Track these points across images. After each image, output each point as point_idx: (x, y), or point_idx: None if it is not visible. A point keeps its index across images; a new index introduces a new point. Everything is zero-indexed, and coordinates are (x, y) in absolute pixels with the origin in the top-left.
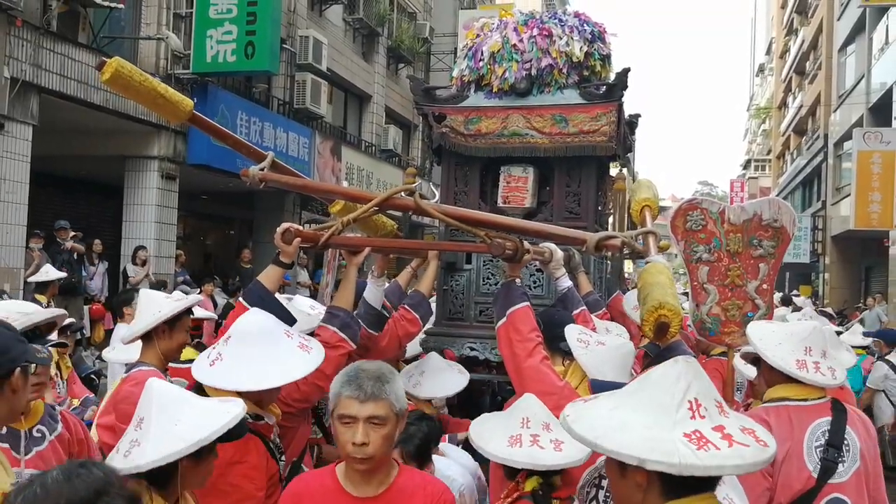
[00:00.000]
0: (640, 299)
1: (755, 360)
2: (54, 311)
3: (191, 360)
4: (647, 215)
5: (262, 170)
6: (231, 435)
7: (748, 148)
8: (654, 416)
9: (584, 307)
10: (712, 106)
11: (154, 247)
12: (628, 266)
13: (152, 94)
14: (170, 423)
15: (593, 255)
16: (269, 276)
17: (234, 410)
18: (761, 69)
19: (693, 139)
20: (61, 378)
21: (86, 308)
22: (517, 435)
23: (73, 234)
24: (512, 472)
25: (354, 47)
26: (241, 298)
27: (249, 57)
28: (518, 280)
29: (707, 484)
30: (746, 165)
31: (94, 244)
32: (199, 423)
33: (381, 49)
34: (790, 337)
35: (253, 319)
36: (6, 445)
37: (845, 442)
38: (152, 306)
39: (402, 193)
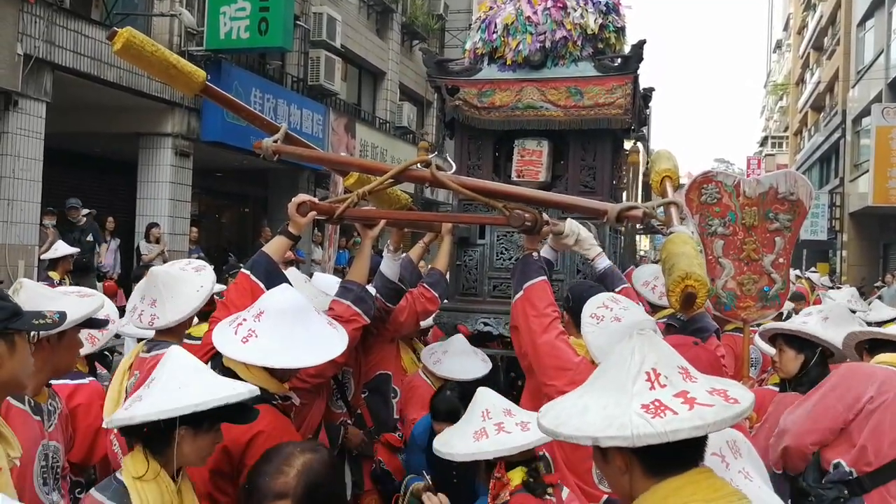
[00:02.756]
0: (665, 270)
1: (772, 338)
2: None
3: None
4: (667, 186)
5: (275, 142)
6: (239, 417)
7: (765, 125)
8: (613, 396)
9: (627, 284)
10: (729, 82)
11: (168, 224)
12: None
13: (164, 65)
14: (174, 386)
15: (614, 226)
16: (275, 247)
17: (241, 390)
18: (779, 45)
19: (710, 115)
20: None
21: (99, 285)
22: (481, 429)
23: (87, 211)
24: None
25: (368, 24)
26: (244, 269)
27: (263, 33)
28: (536, 254)
29: (688, 458)
30: (763, 142)
31: (106, 221)
32: (201, 391)
33: (396, 26)
34: None
35: (287, 296)
36: (39, 419)
37: None
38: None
39: (419, 165)
